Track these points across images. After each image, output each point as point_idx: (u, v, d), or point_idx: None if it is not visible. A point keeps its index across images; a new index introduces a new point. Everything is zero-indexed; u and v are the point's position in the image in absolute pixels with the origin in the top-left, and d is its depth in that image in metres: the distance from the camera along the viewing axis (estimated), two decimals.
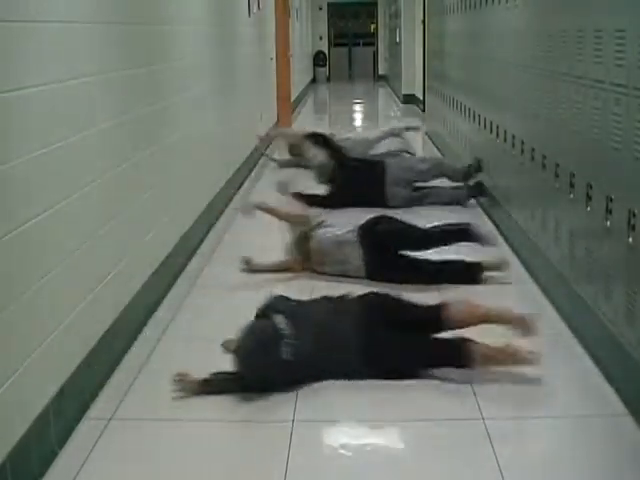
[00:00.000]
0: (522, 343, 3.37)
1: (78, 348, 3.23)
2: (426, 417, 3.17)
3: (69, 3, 3.22)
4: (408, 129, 8.78)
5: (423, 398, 3.32)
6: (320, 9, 24.98)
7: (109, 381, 3.49)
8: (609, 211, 3.29)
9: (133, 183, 4.04)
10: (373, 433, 3.11)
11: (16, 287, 2.66)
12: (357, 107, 16.95)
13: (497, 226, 5.82)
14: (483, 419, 3.09)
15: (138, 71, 4.22)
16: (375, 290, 3.78)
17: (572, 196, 3.81)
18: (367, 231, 4.70)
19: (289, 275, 4.83)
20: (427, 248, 4.73)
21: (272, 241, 6.19)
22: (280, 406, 3.25)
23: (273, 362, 3.30)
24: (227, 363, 3.73)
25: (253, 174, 8.55)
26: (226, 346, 3.36)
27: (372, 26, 25.43)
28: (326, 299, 3.69)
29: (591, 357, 3.54)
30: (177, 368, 3.64)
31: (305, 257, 4.82)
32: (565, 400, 3.25)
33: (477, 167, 6.62)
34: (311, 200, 6.28)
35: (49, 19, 2.99)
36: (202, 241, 5.74)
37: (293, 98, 14.33)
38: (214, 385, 3.34)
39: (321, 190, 6.73)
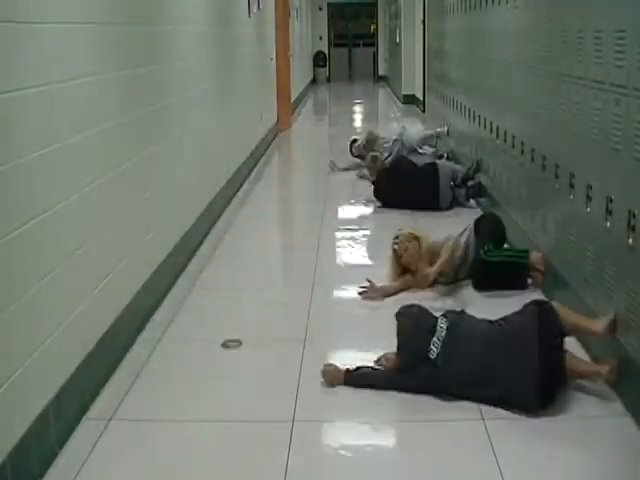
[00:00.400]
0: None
1: (78, 348, 3.23)
2: (426, 417, 3.17)
3: (69, 4, 3.22)
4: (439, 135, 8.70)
5: (423, 398, 3.32)
6: (320, 9, 24.97)
7: (109, 381, 3.49)
8: (609, 211, 3.29)
9: (133, 183, 4.04)
10: (373, 433, 3.11)
11: (16, 287, 2.66)
12: (357, 107, 16.95)
13: None
14: (483, 419, 3.10)
15: (138, 71, 4.22)
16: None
17: (572, 197, 3.81)
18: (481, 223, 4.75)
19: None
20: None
21: (272, 241, 6.22)
22: (280, 406, 3.25)
23: (419, 352, 3.28)
24: (227, 362, 3.74)
25: (253, 174, 8.56)
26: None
27: (372, 26, 25.42)
28: (485, 321, 3.45)
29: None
30: (177, 368, 3.66)
31: (412, 275, 4.58)
32: (565, 400, 3.24)
33: (476, 168, 6.64)
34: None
35: (49, 20, 2.99)
36: (202, 241, 5.74)
37: (293, 98, 14.33)
38: (356, 378, 3.37)
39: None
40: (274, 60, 11.67)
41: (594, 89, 3.48)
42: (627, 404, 3.12)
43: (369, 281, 4.46)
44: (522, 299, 3.64)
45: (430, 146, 8.29)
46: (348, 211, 6.82)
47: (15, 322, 2.63)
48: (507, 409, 3.15)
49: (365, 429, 3.13)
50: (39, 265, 2.84)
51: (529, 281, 4.52)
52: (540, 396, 3.10)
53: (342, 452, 2.96)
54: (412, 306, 3.55)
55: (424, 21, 12.51)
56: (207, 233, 5.94)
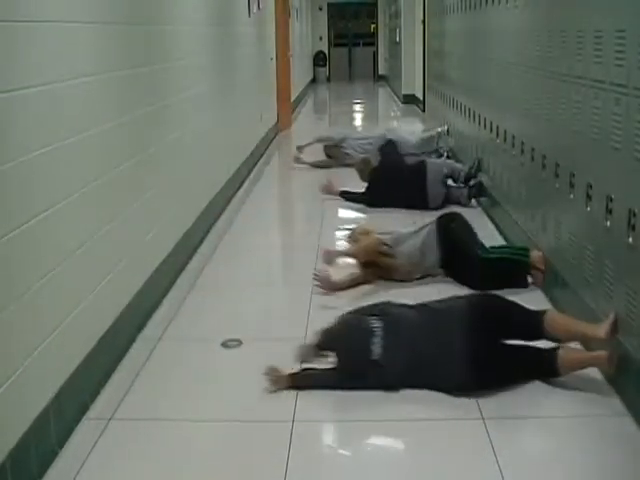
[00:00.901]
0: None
1: (78, 348, 3.23)
2: (426, 417, 3.17)
3: (69, 3, 3.22)
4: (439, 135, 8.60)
5: (423, 398, 3.32)
6: (320, 9, 24.98)
7: (109, 381, 3.50)
8: (609, 211, 3.29)
9: (133, 183, 4.04)
10: (373, 433, 3.11)
11: (16, 287, 2.66)
12: (357, 107, 16.95)
13: (497, 226, 5.82)
14: (483, 419, 3.09)
15: (138, 71, 4.22)
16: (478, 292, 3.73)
17: (572, 196, 3.81)
18: (443, 229, 4.64)
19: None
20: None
21: (272, 241, 6.22)
22: (280, 406, 3.25)
23: (361, 358, 3.32)
24: (227, 362, 3.74)
25: (253, 174, 8.56)
26: (305, 352, 3.41)
27: (372, 26, 25.43)
28: (423, 306, 3.56)
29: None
30: (177, 368, 3.66)
31: (386, 272, 4.66)
32: (565, 400, 3.25)
33: (478, 168, 6.64)
34: (352, 198, 6.54)
35: (49, 19, 2.99)
36: (202, 241, 5.74)
37: (293, 98, 14.33)
38: (302, 380, 3.37)
39: (360, 188, 6.84)
40: (274, 60, 11.67)
41: (594, 88, 3.48)
42: (627, 403, 3.12)
43: (316, 275, 4.51)
44: (522, 298, 3.64)
45: (429, 149, 8.18)
46: (348, 211, 6.81)
47: (15, 322, 2.63)
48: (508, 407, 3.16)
49: (365, 429, 3.13)
50: (39, 265, 2.84)
51: (529, 280, 4.51)
52: (471, 375, 3.23)
53: (342, 452, 2.96)
54: (344, 316, 3.52)
55: (424, 21, 12.51)
56: (207, 233, 5.94)
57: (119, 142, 3.82)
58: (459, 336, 3.29)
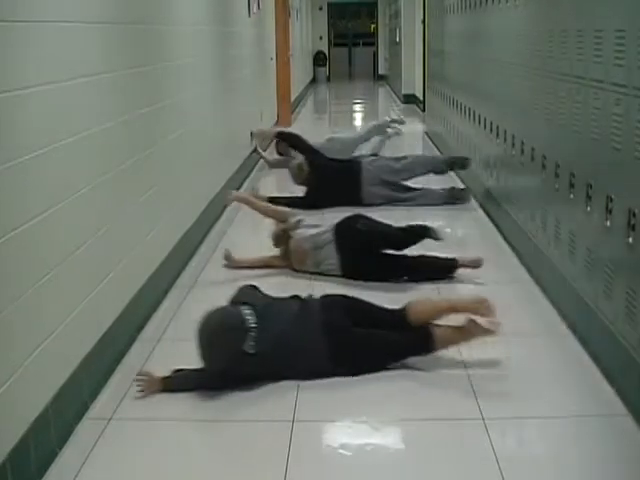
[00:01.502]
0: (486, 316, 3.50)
1: (78, 348, 3.23)
2: (426, 417, 3.17)
3: (69, 3, 3.22)
4: (394, 122, 8.76)
5: (423, 398, 3.33)
6: (320, 9, 24.99)
7: (109, 381, 3.50)
8: (609, 211, 3.29)
9: (133, 183, 4.04)
10: (373, 433, 3.10)
11: (16, 287, 2.66)
12: (357, 107, 16.95)
13: (497, 226, 5.82)
14: (483, 419, 3.09)
15: (138, 71, 4.22)
16: (344, 292, 3.88)
17: (572, 196, 3.81)
18: (343, 231, 4.76)
19: (271, 272, 4.92)
20: (400, 247, 4.77)
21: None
22: (280, 406, 3.25)
23: (235, 352, 3.28)
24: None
25: (253, 173, 8.55)
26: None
27: (372, 26, 25.44)
28: (294, 298, 3.72)
29: (591, 357, 3.54)
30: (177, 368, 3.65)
31: (285, 255, 4.93)
32: (565, 400, 3.25)
33: (462, 163, 6.67)
34: (288, 202, 6.28)
35: (49, 19, 2.99)
36: (202, 241, 5.74)
37: (293, 98, 14.32)
38: (175, 383, 3.37)
39: (299, 192, 6.77)
40: (274, 60, 11.67)
41: (594, 88, 3.48)
42: (627, 403, 3.12)
43: (227, 256, 4.95)
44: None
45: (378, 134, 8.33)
46: (348, 210, 6.80)
47: (15, 322, 2.63)
48: (507, 403, 3.16)
49: (365, 428, 3.13)
50: (39, 265, 2.84)
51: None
52: (331, 360, 3.42)
53: (342, 452, 2.96)
54: (214, 312, 3.46)
55: (424, 21, 12.50)
56: (207, 233, 5.94)
57: (119, 142, 3.82)
58: (317, 327, 3.45)
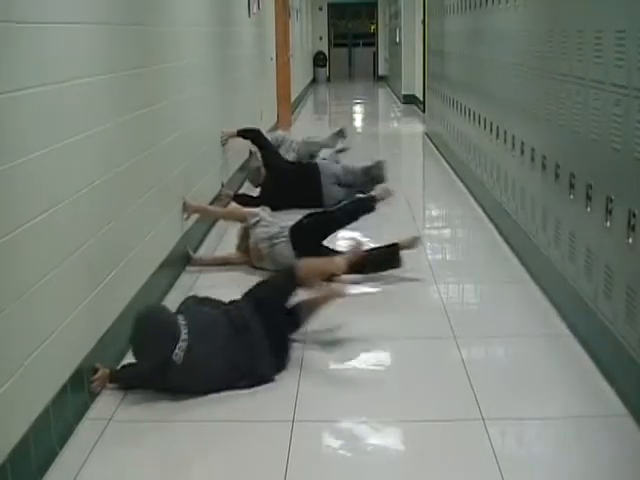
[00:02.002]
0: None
1: (79, 348, 3.23)
2: (426, 417, 3.17)
3: (69, 4, 3.22)
4: (340, 151, 8.22)
5: (423, 398, 3.33)
6: (320, 9, 24.99)
7: None
8: (609, 211, 3.30)
9: (133, 183, 4.04)
10: (373, 433, 3.11)
11: (16, 287, 2.66)
12: (357, 107, 16.96)
13: (497, 226, 5.82)
14: (483, 419, 3.10)
15: (138, 71, 4.22)
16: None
17: (572, 197, 3.81)
18: (295, 229, 4.96)
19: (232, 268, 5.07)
20: (346, 224, 5.09)
21: None
22: (280, 406, 3.26)
23: (162, 358, 3.26)
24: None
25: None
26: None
27: (372, 26, 25.44)
28: (225, 305, 3.68)
29: (591, 357, 3.54)
30: None
31: (245, 252, 5.11)
32: (565, 400, 3.25)
33: (376, 176, 6.62)
34: (245, 200, 6.46)
35: (48, 20, 2.99)
36: (202, 241, 5.74)
37: (293, 98, 14.33)
38: (120, 377, 3.43)
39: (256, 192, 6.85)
40: (274, 60, 11.67)
41: (594, 89, 3.48)
42: (627, 403, 3.12)
43: (189, 256, 5.16)
44: None
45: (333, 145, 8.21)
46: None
47: (15, 322, 2.63)
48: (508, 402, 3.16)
49: (365, 429, 3.13)
50: (39, 265, 2.84)
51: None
52: (273, 367, 3.50)
53: (342, 452, 2.96)
54: (151, 309, 3.55)
55: (424, 21, 12.51)
56: (207, 233, 5.94)
57: (119, 142, 3.82)
58: (257, 334, 3.48)
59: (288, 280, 3.73)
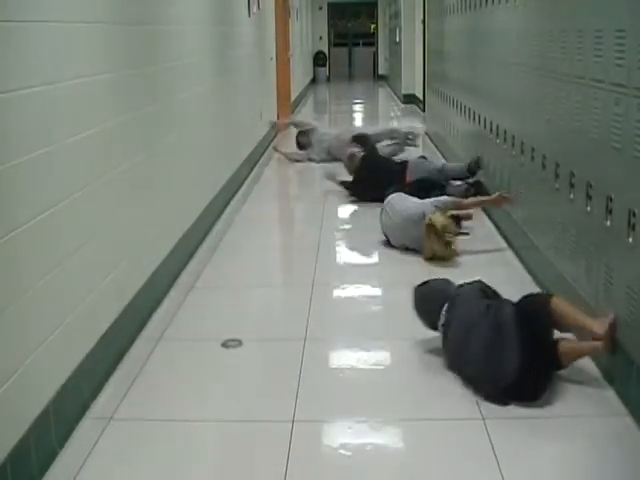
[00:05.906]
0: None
1: (78, 348, 3.23)
2: (426, 417, 3.17)
3: (69, 3, 3.22)
4: (409, 139, 9.03)
5: (423, 398, 3.33)
6: (320, 9, 24.99)
7: (109, 381, 3.50)
8: (609, 211, 3.29)
9: (133, 183, 4.04)
10: (373, 433, 3.10)
11: (16, 287, 2.66)
12: (357, 107, 16.96)
13: (497, 226, 5.82)
14: (483, 419, 3.10)
15: (138, 71, 4.22)
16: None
17: (572, 196, 3.81)
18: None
19: None
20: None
21: (272, 241, 6.21)
22: (280, 406, 3.25)
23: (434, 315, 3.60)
24: (227, 362, 3.74)
25: (253, 173, 8.56)
26: None
27: (372, 26, 25.43)
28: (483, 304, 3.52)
29: (591, 357, 3.54)
30: (177, 368, 3.66)
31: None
32: (565, 400, 3.25)
33: (477, 164, 6.66)
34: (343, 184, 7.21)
35: (49, 19, 2.99)
36: (202, 240, 5.74)
37: (293, 98, 14.33)
38: None
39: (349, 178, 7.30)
40: (274, 60, 11.66)
41: (594, 88, 3.48)
42: (627, 404, 3.12)
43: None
44: None
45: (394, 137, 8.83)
46: (347, 210, 6.82)
47: (15, 322, 2.63)
48: (506, 405, 3.16)
49: (365, 428, 3.13)
50: (39, 265, 2.84)
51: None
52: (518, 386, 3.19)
53: (342, 452, 2.96)
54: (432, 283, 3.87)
55: (424, 21, 12.50)
56: (207, 233, 5.95)
57: (119, 142, 3.82)
58: (513, 341, 3.23)
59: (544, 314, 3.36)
